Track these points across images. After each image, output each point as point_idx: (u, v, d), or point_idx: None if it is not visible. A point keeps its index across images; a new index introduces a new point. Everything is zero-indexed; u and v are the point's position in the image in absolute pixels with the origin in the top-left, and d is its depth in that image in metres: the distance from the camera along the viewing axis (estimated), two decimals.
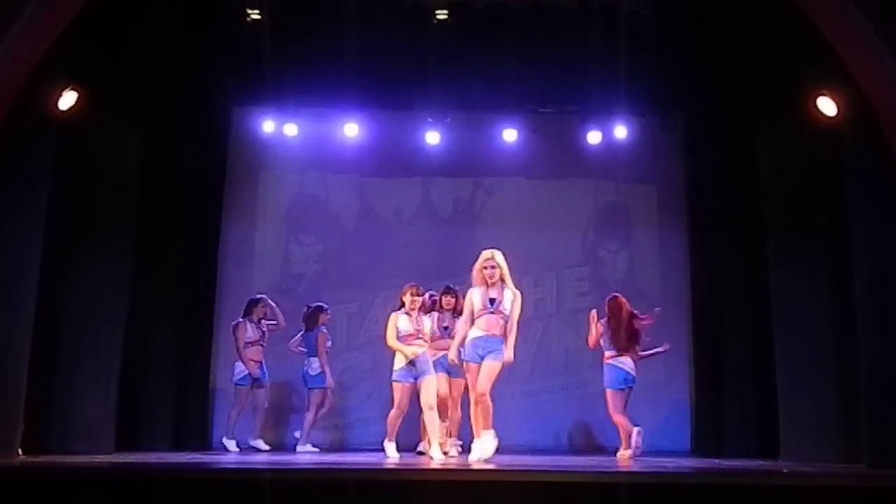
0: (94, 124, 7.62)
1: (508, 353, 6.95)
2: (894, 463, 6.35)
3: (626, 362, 8.07)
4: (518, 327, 7.06)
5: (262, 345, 9.16)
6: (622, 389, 8.06)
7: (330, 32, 8.90)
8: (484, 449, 6.89)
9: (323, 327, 9.17)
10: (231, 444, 8.95)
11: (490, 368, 6.88)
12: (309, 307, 9.29)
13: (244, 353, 9.07)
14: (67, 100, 7.18)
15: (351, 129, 10.07)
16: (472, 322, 7.01)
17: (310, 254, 10.62)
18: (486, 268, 7.01)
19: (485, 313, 6.96)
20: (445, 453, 7.58)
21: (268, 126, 10.13)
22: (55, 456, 7.02)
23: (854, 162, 7.04)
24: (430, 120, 10.10)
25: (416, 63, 9.22)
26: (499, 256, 7.08)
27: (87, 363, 7.68)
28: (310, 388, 9.10)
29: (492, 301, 6.98)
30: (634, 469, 6.28)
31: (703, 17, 8.76)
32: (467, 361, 7.02)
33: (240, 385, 9.13)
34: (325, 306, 9.35)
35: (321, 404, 9.10)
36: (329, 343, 9.26)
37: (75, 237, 7.81)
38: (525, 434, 9.70)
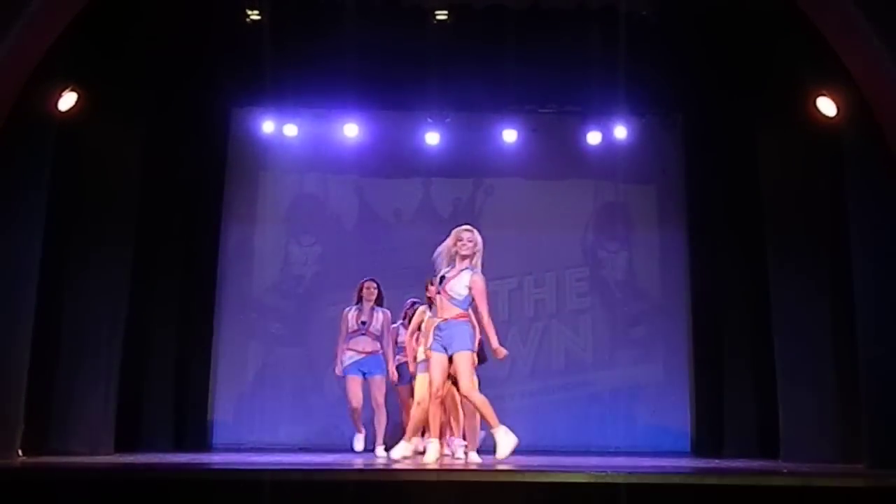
0: (94, 124, 7.62)
1: (499, 350, 6.37)
2: (894, 463, 6.36)
3: None
4: (490, 315, 6.42)
5: (364, 333, 8.22)
6: None
7: (329, 33, 8.90)
8: (505, 445, 6.48)
9: (399, 321, 8.69)
10: (359, 445, 8.27)
11: (462, 364, 6.32)
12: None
13: (340, 346, 8.30)
14: (67, 100, 7.19)
15: (351, 130, 10.07)
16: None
17: (310, 254, 10.61)
18: (460, 240, 6.38)
19: (432, 294, 6.46)
20: (452, 453, 7.35)
21: (267, 126, 10.13)
22: (55, 456, 7.01)
23: (854, 162, 7.04)
24: (429, 120, 10.10)
25: (416, 63, 9.22)
26: (476, 234, 6.45)
27: (87, 363, 7.66)
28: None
29: (441, 279, 6.34)
30: (634, 469, 6.27)
31: (704, 18, 8.76)
32: (427, 350, 6.54)
33: (344, 377, 8.26)
34: (412, 300, 8.62)
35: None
36: (399, 336, 8.57)
37: (75, 237, 7.79)
38: (525, 434, 9.65)
